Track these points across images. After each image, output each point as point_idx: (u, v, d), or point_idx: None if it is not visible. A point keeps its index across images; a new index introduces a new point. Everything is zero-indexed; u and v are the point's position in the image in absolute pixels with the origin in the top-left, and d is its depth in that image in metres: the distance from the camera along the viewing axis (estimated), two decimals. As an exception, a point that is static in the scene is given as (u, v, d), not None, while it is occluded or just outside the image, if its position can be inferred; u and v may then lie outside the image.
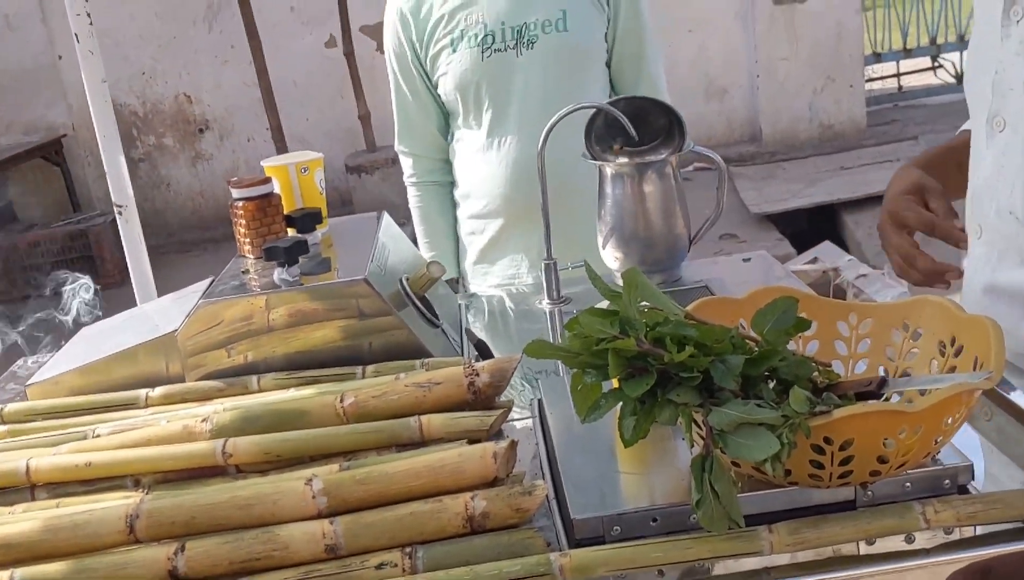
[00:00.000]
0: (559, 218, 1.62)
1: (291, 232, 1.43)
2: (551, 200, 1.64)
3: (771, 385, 0.90)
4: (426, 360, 1.25)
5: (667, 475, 0.97)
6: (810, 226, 4.89)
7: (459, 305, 1.69)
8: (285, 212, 1.44)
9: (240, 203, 1.39)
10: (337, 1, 5.61)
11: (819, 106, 6.22)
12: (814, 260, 1.58)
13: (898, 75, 6.90)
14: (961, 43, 6.66)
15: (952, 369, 0.95)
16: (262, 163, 1.49)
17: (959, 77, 6.70)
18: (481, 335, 1.45)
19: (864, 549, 0.90)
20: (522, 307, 1.69)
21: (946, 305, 0.98)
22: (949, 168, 1.28)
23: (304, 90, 6.21)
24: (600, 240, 1.64)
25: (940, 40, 6.80)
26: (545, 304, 1.64)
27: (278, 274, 1.29)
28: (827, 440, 0.83)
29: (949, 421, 0.85)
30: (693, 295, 1.51)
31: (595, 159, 1.61)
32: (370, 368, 1.23)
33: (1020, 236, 1.12)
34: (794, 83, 6.19)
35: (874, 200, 4.90)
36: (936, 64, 6.91)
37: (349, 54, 5.66)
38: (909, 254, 1.21)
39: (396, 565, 0.87)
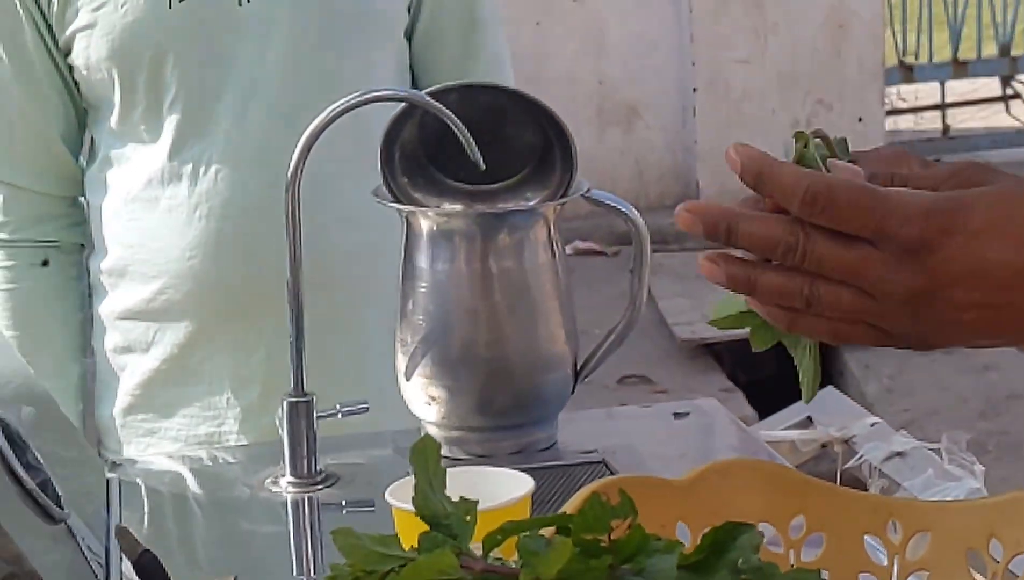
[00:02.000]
0: (317, 318, 1.63)
1: None
2: (312, 276, 1.63)
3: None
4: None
5: None
6: (781, 369, 5.02)
7: (107, 479, 1.60)
8: None
9: None
10: None
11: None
12: (806, 421, 1.60)
13: (942, 106, 7.31)
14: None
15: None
16: None
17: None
18: (146, 540, 1.37)
19: None
20: (230, 492, 1.66)
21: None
22: None
23: None
24: (401, 362, 1.64)
25: (1016, 51, 7.26)
26: (285, 485, 1.60)
27: None
28: None
29: None
30: (578, 476, 1.53)
31: (398, 201, 1.60)
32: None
33: None
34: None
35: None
36: (1010, 92, 7.36)
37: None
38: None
39: None
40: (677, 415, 1.78)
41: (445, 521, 0.85)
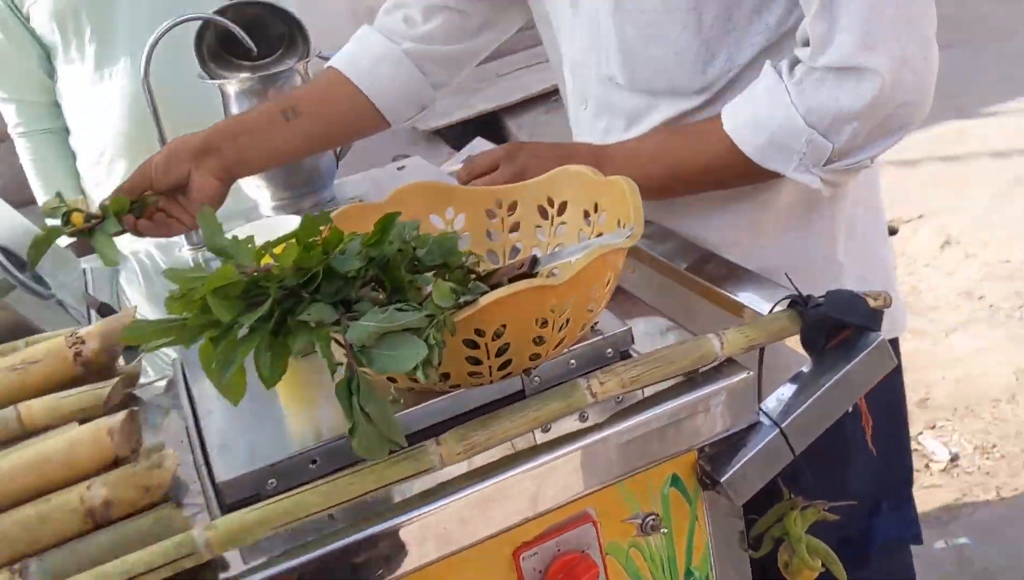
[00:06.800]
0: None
1: None
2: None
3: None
4: (31, 338, 1.04)
5: (324, 412, 0.87)
6: (478, 136, 4.94)
7: (83, 269, 1.46)
8: None
9: None
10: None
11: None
12: (468, 157, 1.52)
13: None
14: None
15: (599, 235, 0.92)
16: None
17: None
18: (133, 299, 1.26)
19: (540, 438, 0.85)
20: (166, 259, 1.50)
21: (583, 172, 0.95)
22: None
23: None
24: (237, 171, 1.48)
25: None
26: (186, 251, 1.48)
27: None
28: (479, 332, 0.76)
29: (599, 287, 0.81)
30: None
31: (212, 78, 1.45)
32: (-45, 361, 1.01)
33: (623, 100, 1.15)
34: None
35: (531, 101, 5.02)
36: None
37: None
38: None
39: (2, 590, 0.71)
40: (399, 168, 1.71)
41: (228, 250, 0.76)
